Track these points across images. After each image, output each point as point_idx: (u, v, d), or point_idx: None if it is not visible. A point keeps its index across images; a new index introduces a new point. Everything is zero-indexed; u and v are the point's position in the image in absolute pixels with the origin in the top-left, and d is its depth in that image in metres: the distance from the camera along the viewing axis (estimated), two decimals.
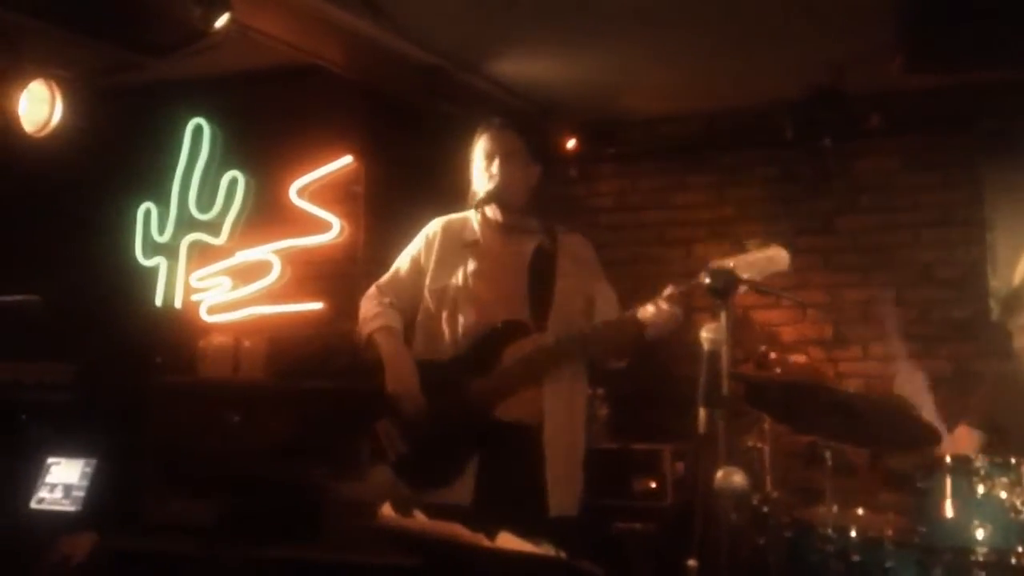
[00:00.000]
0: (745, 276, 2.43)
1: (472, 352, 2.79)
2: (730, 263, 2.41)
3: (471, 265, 2.85)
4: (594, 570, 1.68)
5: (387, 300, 2.92)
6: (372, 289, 2.97)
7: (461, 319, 2.82)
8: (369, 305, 2.93)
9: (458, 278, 2.85)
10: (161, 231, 4.78)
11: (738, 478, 2.23)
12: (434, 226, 2.96)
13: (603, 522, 4.14)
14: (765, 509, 3.41)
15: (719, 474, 2.23)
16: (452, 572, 1.87)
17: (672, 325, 2.66)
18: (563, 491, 2.76)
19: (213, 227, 4.69)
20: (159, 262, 4.77)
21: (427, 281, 2.89)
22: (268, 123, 4.60)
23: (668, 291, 2.65)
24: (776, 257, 2.48)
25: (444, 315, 2.84)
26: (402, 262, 2.96)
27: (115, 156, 4.69)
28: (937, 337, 4.63)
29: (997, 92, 4.38)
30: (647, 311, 2.67)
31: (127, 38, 3.66)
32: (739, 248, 2.50)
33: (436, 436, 2.75)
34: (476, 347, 2.79)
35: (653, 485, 4.23)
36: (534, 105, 4.91)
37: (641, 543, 4.13)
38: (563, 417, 2.79)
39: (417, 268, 2.92)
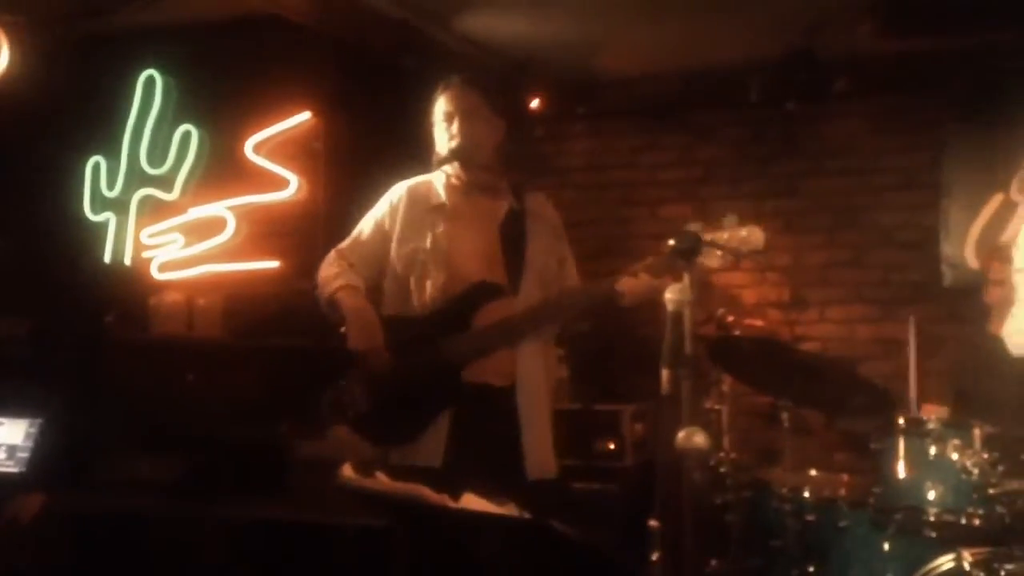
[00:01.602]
0: (709, 238, 2.43)
1: (444, 311, 2.75)
2: (707, 238, 2.42)
3: (440, 227, 2.80)
4: (563, 529, 1.67)
5: (347, 264, 2.87)
6: (332, 254, 2.91)
7: (431, 281, 2.77)
8: (329, 268, 2.87)
9: (427, 241, 2.80)
10: (111, 186, 4.63)
11: (700, 438, 2.24)
12: (398, 190, 2.90)
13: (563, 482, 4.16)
14: (723, 470, 3.45)
15: (681, 434, 2.23)
16: (417, 533, 1.85)
17: (650, 295, 2.63)
18: (540, 453, 2.75)
19: (165, 182, 4.56)
20: (108, 218, 4.63)
21: (393, 245, 2.84)
22: (224, 76, 4.46)
23: (648, 261, 2.64)
24: (751, 237, 2.49)
25: (413, 278, 2.80)
26: (364, 226, 2.91)
27: (64, 107, 4.54)
28: (897, 300, 4.67)
29: (965, 57, 4.38)
30: (626, 282, 2.65)
31: None
32: (715, 224, 2.50)
33: (401, 393, 2.72)
34: (449, 306, 2.75)
35: (612, 446, 4.24)
36: (507, 62, 4.80)
37: (600, 503, 4.15)
38: (537, 379, 2.77)
39: (381, 232, 2.87)
